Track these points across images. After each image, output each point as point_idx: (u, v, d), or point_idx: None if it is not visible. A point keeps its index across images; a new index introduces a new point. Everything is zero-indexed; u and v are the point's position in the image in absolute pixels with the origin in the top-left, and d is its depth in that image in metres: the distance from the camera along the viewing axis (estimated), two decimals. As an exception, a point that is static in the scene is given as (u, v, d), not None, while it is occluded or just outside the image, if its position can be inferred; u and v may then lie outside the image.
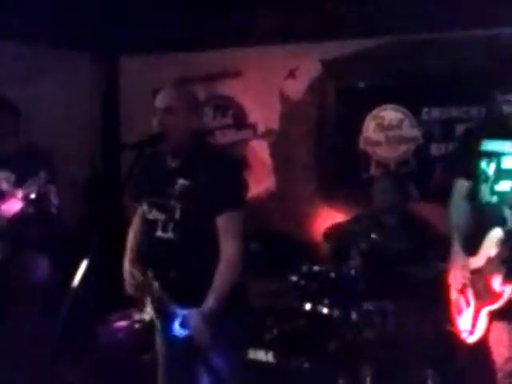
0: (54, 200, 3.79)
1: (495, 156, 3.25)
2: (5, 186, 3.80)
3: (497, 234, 3.19)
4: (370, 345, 4.05)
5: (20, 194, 3.55)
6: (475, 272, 3.29)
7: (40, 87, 5.64)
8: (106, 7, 5.45)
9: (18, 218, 3.69)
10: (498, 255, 3.18)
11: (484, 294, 3.23)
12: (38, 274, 3.93)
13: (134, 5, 5.59)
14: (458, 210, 3.43)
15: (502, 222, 3.19)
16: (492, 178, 3.26)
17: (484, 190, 3.28)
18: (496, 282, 3.18)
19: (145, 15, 5.77)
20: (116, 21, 5.85)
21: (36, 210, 3.69)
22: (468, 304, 3.32)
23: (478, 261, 3.28)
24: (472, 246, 3.33)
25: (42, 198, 3.63)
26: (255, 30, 5.62)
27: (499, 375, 3.23)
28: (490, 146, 3.28)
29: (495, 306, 3.18)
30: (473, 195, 3.36)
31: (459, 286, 3.35)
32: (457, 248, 3.39)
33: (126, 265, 3.20)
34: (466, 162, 3.36)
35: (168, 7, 5.60)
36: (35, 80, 5.60)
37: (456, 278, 3.36)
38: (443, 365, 3.99)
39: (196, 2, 5.57)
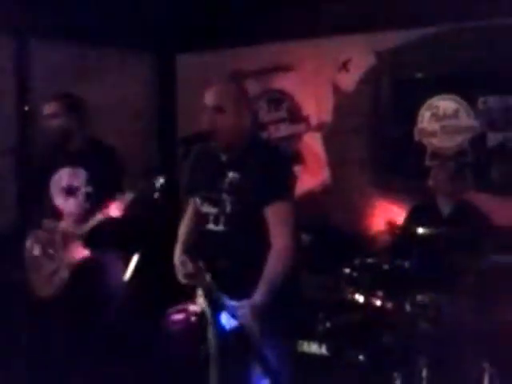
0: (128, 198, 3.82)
1: None
2: (76, 183, 3.92)
3: None
4: (425, 338, 4.01)
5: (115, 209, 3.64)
6: None
7: (100, 86, 5.77)
8: (161, 9, 5.54)
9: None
10: None
11: None
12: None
13: (187, 4, 5.68)
14: None
15: None
16: None
17: None
18: None
19: (197, 14, 5.84)
20: (171, 20, 5.94)
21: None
22: None
23: None
24: None
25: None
26: (307, 22, 5.61)
27: None
28: None
29: None
30: None
31: None
32: None
33: (177, 253, 3.23)
34: None
35: (219, 3, 5.66)
36: (95, 79, 5.74)
37: None
38: (500, 358, 3.91)
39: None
